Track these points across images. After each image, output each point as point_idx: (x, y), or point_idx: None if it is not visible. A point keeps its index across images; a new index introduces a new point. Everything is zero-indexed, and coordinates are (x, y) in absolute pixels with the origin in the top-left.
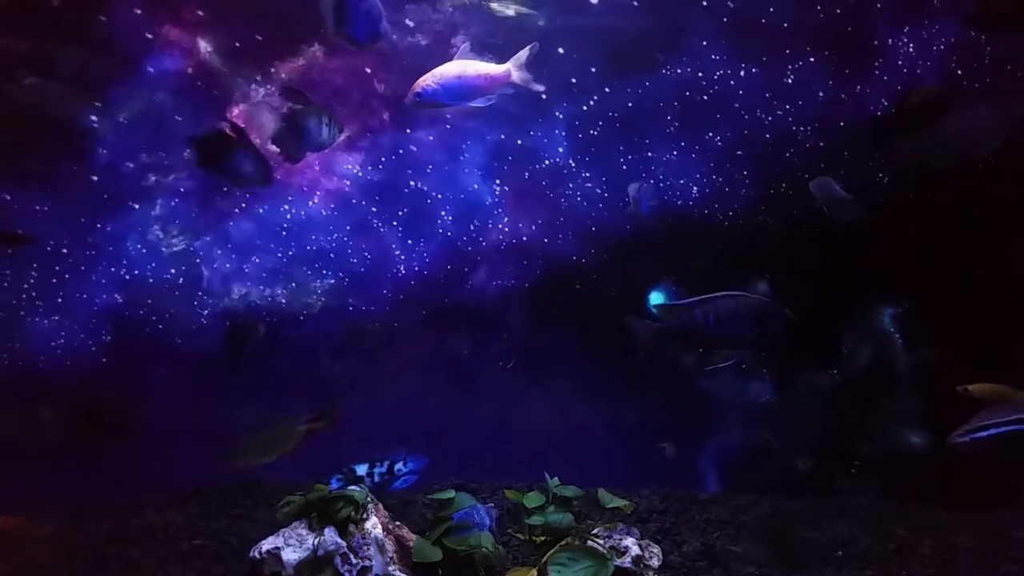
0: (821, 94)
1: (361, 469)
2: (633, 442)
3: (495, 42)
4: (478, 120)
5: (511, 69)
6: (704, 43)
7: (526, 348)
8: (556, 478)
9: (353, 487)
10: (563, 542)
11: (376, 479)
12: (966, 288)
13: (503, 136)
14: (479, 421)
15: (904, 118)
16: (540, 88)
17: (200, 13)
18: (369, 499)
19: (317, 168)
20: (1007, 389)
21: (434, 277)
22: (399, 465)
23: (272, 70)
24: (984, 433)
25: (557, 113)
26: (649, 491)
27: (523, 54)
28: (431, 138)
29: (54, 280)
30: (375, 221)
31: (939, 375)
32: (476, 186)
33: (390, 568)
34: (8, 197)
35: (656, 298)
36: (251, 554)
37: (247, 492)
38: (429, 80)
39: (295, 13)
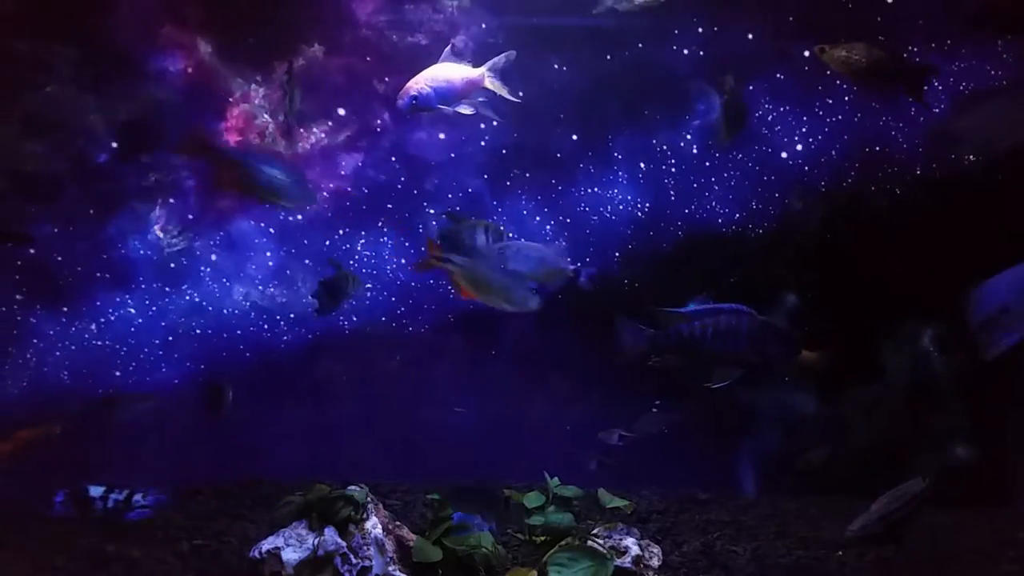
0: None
1: (95, 491)
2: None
3: (495, 42)
4: (511, 133)
5: (485, 74)
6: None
7: (549, 357)
8: (556, 478)
9: (354, 487)
10: (563, 542)
11: (109, 504)
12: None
13: (540, 152)
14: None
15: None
16: (513, 98)
17: (201, 13)
18: (369, 499)
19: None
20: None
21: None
22: (137, 496)
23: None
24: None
25: (596, 127)
26: (649, 491)
27: (499, 60)
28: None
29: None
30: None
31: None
32: (513, 203)
33: (390, 568)
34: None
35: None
36: (251, 554)
37: (247, 492)
38: (421, 83)
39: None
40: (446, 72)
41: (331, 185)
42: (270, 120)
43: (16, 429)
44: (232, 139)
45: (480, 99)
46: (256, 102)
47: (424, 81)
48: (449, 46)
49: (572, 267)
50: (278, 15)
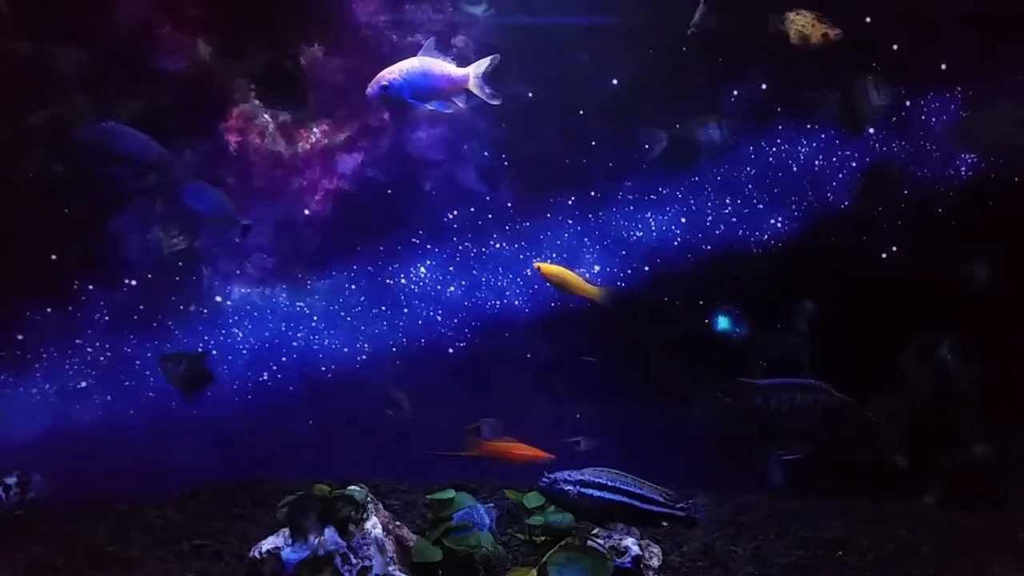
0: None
1: (10, 479)
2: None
3: (494, 41)
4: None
5: (470, 75)
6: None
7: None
8: None
9: (354, 487)
10: (563, 542)
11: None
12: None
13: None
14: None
15: None
16: (495, 102)
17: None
18: (369, 499)
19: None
20: (574, 274)
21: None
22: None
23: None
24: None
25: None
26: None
27: (484, 63)
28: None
29: None
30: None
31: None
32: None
33: (390, 568)
34: None
35: (722, 322)
36: (251, 554)
37: (247, 492)
38: (395, 73)
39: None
40: (424, 65)
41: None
42: (270, 120)
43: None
44: (232, 139)
45: (463, 103)
46: (256, 102)
47: (398, 71)
48: (431, 39)
49: (244, 222)
50: (278, 15)
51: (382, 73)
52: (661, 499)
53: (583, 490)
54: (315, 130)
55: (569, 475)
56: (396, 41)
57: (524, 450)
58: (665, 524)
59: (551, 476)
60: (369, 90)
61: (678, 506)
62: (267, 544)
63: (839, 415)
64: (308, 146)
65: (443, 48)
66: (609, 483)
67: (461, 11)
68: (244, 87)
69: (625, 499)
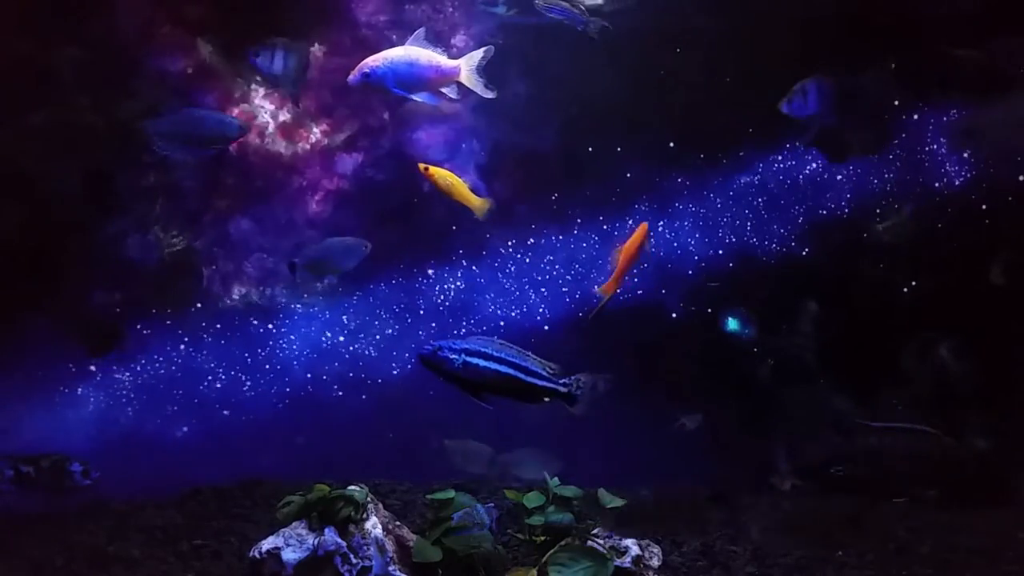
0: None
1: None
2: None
3: (494, 41)
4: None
5: (461, 67)
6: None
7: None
8: (556, 478)
9: (353, 487)
10: (563, 542)
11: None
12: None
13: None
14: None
15: None
16: (490, 95)
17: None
18: (369, 499)
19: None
20: (460, 181)
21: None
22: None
23: None
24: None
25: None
26: (649, 491)
27: (477, 55)
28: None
29: None
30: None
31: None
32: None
33: (390, 568)
34: None
35: (732, 324)
36: (251, 554)
37: (247, 492)
38: (379, 60)
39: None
40: (411, 55)
41: None
42: (270, 120)
43: None
44: None
45: (455, 95)
46: (256, 102)
47: (382, 59)
48: (420, 29)
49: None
50: (278, 15)
51: (366, 60)
52: (544, 373)
53: (468, 359)
54: (315, 130)
55: (454, 343)
56: (396, 41)
57: (632, 246)
58: (547, 400)
59: (435, 343)
60: (351, 77)
61: (561, 382)
62: (267, 544)
63: (947, 460)
64: (308, 146)
65: (446, 47)
66: (495, 354)
67: (482, 13)
68: (244, 86)
69: (511, 371)
